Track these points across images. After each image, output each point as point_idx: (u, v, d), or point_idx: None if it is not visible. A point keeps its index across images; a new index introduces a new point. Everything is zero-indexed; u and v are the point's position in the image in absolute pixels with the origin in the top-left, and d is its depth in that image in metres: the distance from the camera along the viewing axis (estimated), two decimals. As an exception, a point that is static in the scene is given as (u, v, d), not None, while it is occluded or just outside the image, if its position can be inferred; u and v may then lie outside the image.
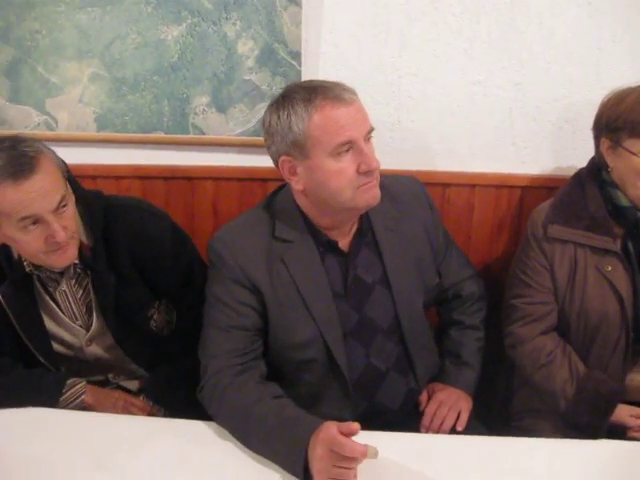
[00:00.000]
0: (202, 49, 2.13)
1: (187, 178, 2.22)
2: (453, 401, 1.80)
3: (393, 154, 2.18)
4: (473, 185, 2.19)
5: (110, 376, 1.89)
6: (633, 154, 1.72)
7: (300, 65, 2.12)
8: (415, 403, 1.83)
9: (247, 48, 2.13)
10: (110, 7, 2.09)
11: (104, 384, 1.88)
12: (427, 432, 1.78)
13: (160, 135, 2.21)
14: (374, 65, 2.12)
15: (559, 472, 1.46)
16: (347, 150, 1.53)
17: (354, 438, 1.35)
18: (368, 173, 1.55)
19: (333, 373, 1.69)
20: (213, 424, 1.59)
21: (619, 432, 1.81)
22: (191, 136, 2.20)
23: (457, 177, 2.19)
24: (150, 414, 1.79)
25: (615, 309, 1.81)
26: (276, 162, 1.61)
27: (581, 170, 1.93)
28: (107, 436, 1.55)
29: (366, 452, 1.33)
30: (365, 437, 1.36)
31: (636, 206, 1.80)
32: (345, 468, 1.35)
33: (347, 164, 1.53)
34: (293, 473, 1.42)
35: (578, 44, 2.10)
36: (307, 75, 2.11)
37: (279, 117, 1.56)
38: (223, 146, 2.19)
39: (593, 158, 1.90)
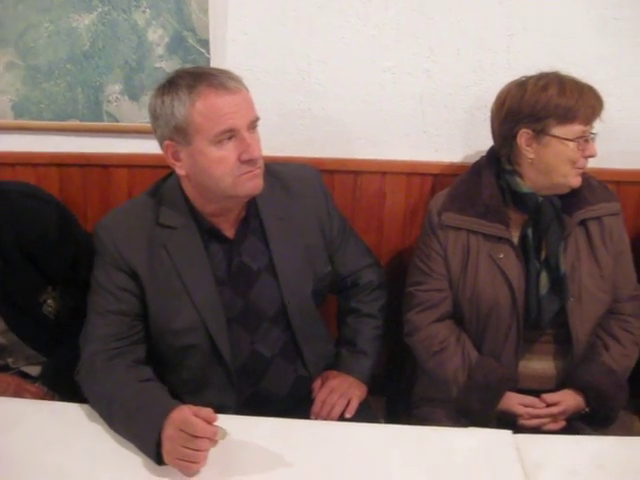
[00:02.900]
0: (113, 37, 2.14)
1: (102, 166, 2.23)
2: (345, 388, 1.80)
3: (304, 142, 2.19)
4: (384, 172, 2.18)
5: (10, 361, 1.91)
6: (565, 140, 1.72)
7: (209, 53, 2.12)
8: (309, 390, 1.83)
9: (157, 36, 2.13)
10: (23, -4, 2.09)
11: (5, 369, 1.89)
12: (317, 419, 1.77)
13: (75, 123, 2.22)
14: (283, 52, 2.12)
15: (423, 460, 1.48)
16: (229, 138, 1.54)
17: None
18: (250, 162, 1.55)
19: (216, 359, 1.70)
20: (87, 407, 1.60)
21: (510, 420, 1.80)
22: (105, 123, 2.22)
23: (368, 164, 2.18)
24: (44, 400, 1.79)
25: (506, 297, 1.81)
26: (162, 146, 1.62)
27: (481, 159, 1.93)
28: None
29: (216, 433, 1.36)
30: (241, 422, 1.46)
31: (538, 192, 1.79)
32: (194, 449, 1.36)
33: (228, 152, 1.54)
34: (149, 455, 1.43)
35: (488, 31, 2.09)
36: (216, 62, 2.12)
37: (163, 102, 1.57)
38: (137, 133, 2.19)
39: (492, 147, 1.89)
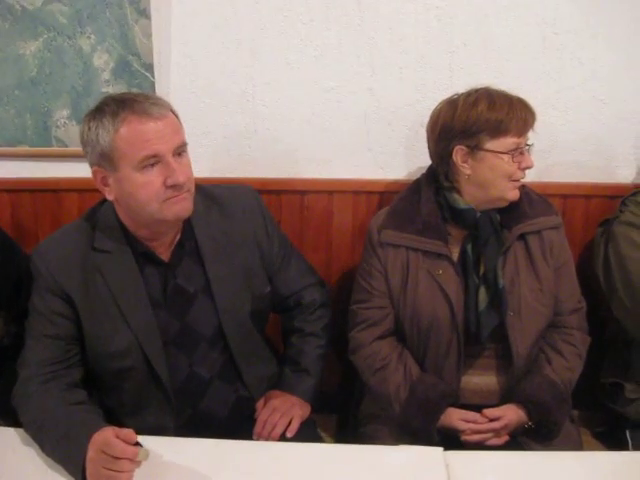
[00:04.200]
0: (59, 63, 2.17)
1: (53, 190, 2.25)
2: (286, 408, 1.80)
3: (251, 162, 2.20)
4: (331, 192, 2.20)
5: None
6: (500, 153, 1.73)
7: (153, 77, 2.14)
8: (252, 411, 1.83)
9: (102, 61, 2.16)
10: (-30, 23, 2.12)
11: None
12: (259, 439, 1.77)
13: (25, 148, 2.24)
14: (227, 75, 2.14)
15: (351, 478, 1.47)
16: (153, 164, 1.55)
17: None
18: (176, 187, 1.57)
19: (153, 381, 1.70)
20: (22, 431, 1.60)
21: (454, 436, 1.80)
22: (54, 148, 2.24)
23: (315, 184, 2.20)
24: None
25: (445, 312, 1.81)
26: (92, 172, 1.63)
27: (421, 176, 1.94)
28: None
29: (137, 453, 1.36)
30: (178, 443, 1.49)
31: (476, 207, 1.80)
32: (115, 471, 1.36)
33: (153, 177, 1.55)
34: (76, 478, 1.44)
35: (429, 48, 2.12)
36: (161, 86, 2.14)
37: (89, 128, 1.59)
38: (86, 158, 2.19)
39: (431, 165, 1.90)
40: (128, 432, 1.38)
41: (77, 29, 2.13)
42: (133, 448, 1.36)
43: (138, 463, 1.39)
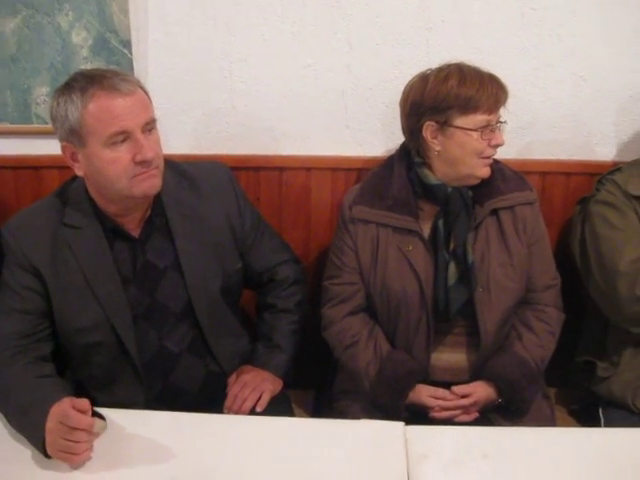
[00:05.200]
0: (39, 40, 2.17)
1: (34, 168, 2.26)
2: (257, 383, 1.82)
3: (229, 139, 2.21)
4: (309, 168, 2.20)
5: None
6: (469, 130, 1.72)
7: (131, 53, 2.14)
8: (224, 386, 1.85)
9: (81, 38, 2.16)
10: (-51, 0, 2.12)
11: None
12: (229, 413, 1.79)
13: (5, 125, 2.25)
14: (204, 51, 2.14)
15: (309, 453, 1.49)
16: (122, 140, 1.56)
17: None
18: (144, 163, 1.58)
19: (123, 355, 1.72)
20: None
21: (423, 413, 1.81)
22: (34, 126, 2.24)
23: (293, 160, 2.20)
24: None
25: (414, 288, 1.81)
26: (61, 148, 1.65)
27: (394, 153, 1.93)
28: None
29: (92, 425, 1.39)
30: (146, 416, 1.52)
31: (448, 183, 1.80)
32: (73, 441, 1.39)
33: (122, 154, 1.56)
34: (37, 449, 1.46)
35: (406, 25, 2.10)
36: (139, 63, 2.14)
37: (58, 104, 1.60)
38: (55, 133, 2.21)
39: (404, 142, 1.90)
40: (82, 402, 1.40)
41: (55, 6, 2.13)
42: (89, 419, 1.38)
43: (96, 434, 1.41)
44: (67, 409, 1.40)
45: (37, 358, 1.66)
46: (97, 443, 1.44)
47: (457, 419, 1.81)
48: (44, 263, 1.67)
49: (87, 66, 2.17)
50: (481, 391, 1.81)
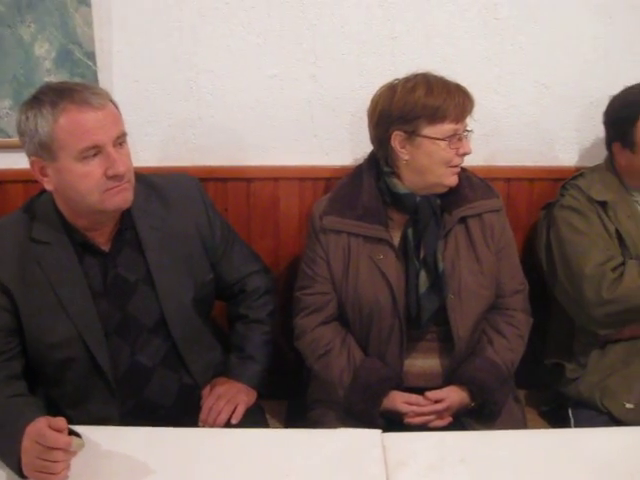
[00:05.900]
0: (0, 52, 2.13)
1: (-2, 182, 2.22)
2: (231, 395, 1.81)
3: (196, 150, 2.20)
4: (277, 178, 2.21)
5: None
6: (436, 139, 1.74)
7: (96, 65, 2.13)
8: (198, 399, 1.83)
9: (44, 50, 2.14)
10: None
11: None
12: (204, 426, 1.78)
13: (-31, 139, 2.21)
14: (170, 62, 2.13)
15: (286, 463, 1.49)
16: (94, 154, 1.55)
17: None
18: (116, 177, 1.56)
19: (95, 371, 1.70)
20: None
21: (398, 420, 1.82)
22: (-2, 139, 2.21)
23: (260, 171, 2.21)
24: None
25: (386, 297, 1.83)
26: (29, 162, 1.62)
27: (362, 162, 1.95)
28: None
29: (70, 443, 1.36)
30: (121, 432, 1.50)
31: (417, 192, 1.82)
32: (50, 461, 1.36)
33: (94, 168, 1.55)
34: (12, 469, 1.43)
35: (371, 34, 2.12)
36: (103, 74, 2.13)
37: (27, 118, 1.57)
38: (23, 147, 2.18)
39: (372, 152, 1.91)
40: (58, 420, 1.37)
41: (17, 18, 2.11)
42: (66, 438, 1.36)
43: (73, 453, 1.39)
44: (43, 428, 1.37)
45: (8, 377, 1.63)
46: (74, 462, 1.41)
47: (431, 424, 1.82)
48: (12, 279, 1.64)
49: (50, 78, 2.14)
50: (454, 396, 1.83)
